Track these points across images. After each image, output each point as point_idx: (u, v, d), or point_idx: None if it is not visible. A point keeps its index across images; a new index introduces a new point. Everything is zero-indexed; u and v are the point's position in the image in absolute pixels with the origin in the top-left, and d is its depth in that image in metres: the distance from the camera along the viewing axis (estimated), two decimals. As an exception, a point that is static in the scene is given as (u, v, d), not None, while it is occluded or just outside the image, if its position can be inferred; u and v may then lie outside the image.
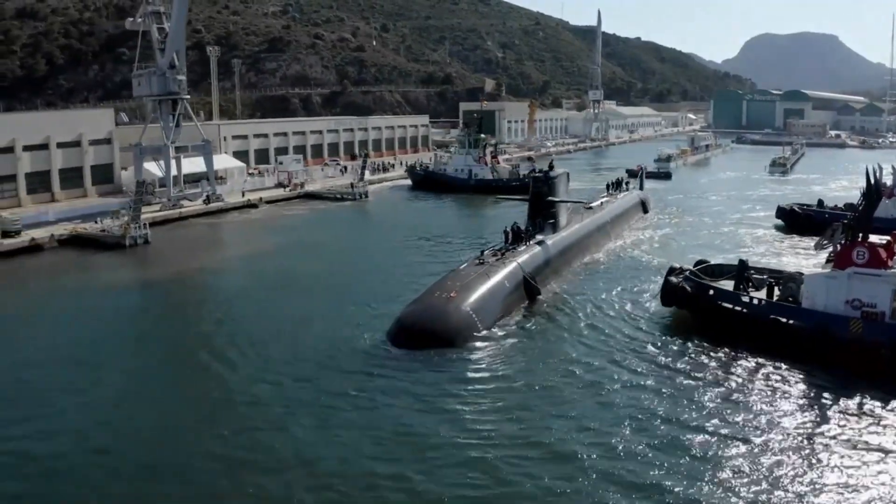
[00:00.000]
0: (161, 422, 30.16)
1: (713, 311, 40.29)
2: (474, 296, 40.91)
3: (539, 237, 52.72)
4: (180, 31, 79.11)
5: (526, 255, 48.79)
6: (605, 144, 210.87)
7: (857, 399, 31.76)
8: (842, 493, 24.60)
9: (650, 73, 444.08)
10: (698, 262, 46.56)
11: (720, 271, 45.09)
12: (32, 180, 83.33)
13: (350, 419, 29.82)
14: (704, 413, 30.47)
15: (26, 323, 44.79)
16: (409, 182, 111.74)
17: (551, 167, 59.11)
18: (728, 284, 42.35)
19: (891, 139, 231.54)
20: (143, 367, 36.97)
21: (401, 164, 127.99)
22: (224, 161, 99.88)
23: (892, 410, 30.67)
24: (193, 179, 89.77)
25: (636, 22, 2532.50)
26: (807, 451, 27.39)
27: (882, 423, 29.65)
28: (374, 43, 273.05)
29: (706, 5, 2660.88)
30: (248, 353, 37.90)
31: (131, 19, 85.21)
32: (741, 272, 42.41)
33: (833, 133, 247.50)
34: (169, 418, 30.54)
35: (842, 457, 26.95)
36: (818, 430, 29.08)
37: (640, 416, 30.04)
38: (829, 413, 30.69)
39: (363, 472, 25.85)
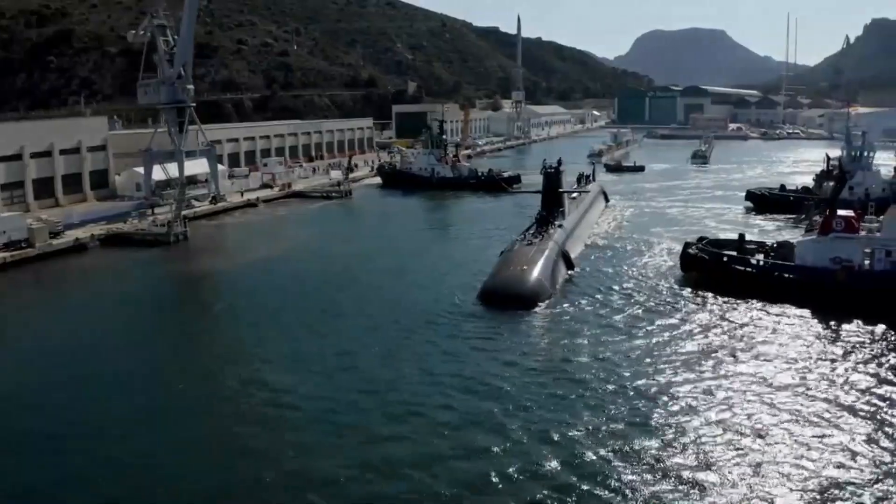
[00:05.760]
0: (305, 365, 38.29)
1: (727, 272, 50.81)
2: (538, 267, 50.64)
3: (557, 222, 62.47)
4: (189, 43, 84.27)
5: (556, 236, 58.50)
6: (527, 142, 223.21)
7: (846, 327, 42.76)
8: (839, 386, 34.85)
9: (553, 73, 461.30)
10: (700, 238, 57.42)
11: (719, 244, 55.87)
12: (38, 186, 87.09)
13: (479, 361, 38.32)
14: (741, 343, 40.75)
15: (151, 306, 51.70)
16: (377, 180, 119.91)
17: (560, 163, 69.02)
18: (730, 254, 53.01)
19: (788, 130, 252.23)
20: (277, 324, 45.25)
21: (364, 163, 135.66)
22: (205, 165, 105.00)
23: (870, 335, 41.49)
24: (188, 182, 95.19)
25: (535, 21, 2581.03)
26: (814, 366, 37.36)
27: (863, 345, 40.25)
28: (296, 48, 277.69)
29: (597, 3, 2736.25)
30: (364, 312, 46.64)
31: (133, 32, 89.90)
32: (741, 243, 53.49)
33: (734, 126, 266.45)
34: (311, 361, 38.79)
35: (841, 369, 37.06)
36: (822, 349, 39.77)
37: (701, 349, 40.11)
38: (828, 337, 41.62)
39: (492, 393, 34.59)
